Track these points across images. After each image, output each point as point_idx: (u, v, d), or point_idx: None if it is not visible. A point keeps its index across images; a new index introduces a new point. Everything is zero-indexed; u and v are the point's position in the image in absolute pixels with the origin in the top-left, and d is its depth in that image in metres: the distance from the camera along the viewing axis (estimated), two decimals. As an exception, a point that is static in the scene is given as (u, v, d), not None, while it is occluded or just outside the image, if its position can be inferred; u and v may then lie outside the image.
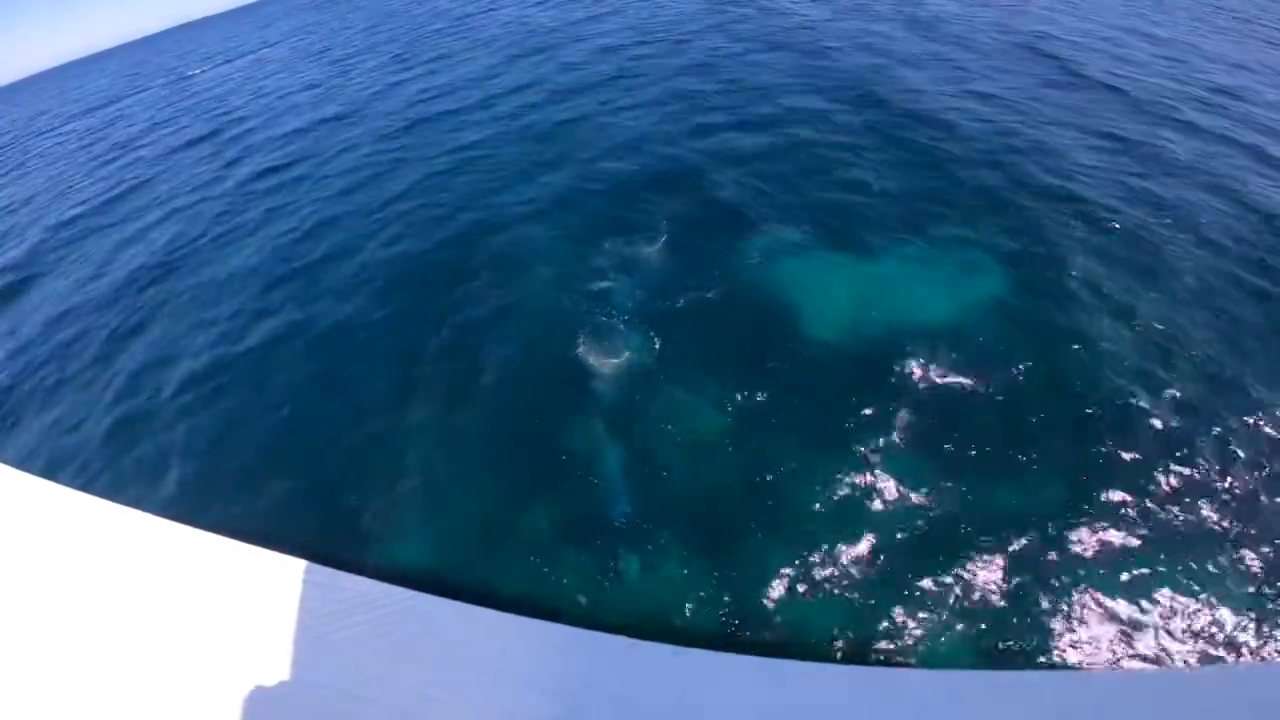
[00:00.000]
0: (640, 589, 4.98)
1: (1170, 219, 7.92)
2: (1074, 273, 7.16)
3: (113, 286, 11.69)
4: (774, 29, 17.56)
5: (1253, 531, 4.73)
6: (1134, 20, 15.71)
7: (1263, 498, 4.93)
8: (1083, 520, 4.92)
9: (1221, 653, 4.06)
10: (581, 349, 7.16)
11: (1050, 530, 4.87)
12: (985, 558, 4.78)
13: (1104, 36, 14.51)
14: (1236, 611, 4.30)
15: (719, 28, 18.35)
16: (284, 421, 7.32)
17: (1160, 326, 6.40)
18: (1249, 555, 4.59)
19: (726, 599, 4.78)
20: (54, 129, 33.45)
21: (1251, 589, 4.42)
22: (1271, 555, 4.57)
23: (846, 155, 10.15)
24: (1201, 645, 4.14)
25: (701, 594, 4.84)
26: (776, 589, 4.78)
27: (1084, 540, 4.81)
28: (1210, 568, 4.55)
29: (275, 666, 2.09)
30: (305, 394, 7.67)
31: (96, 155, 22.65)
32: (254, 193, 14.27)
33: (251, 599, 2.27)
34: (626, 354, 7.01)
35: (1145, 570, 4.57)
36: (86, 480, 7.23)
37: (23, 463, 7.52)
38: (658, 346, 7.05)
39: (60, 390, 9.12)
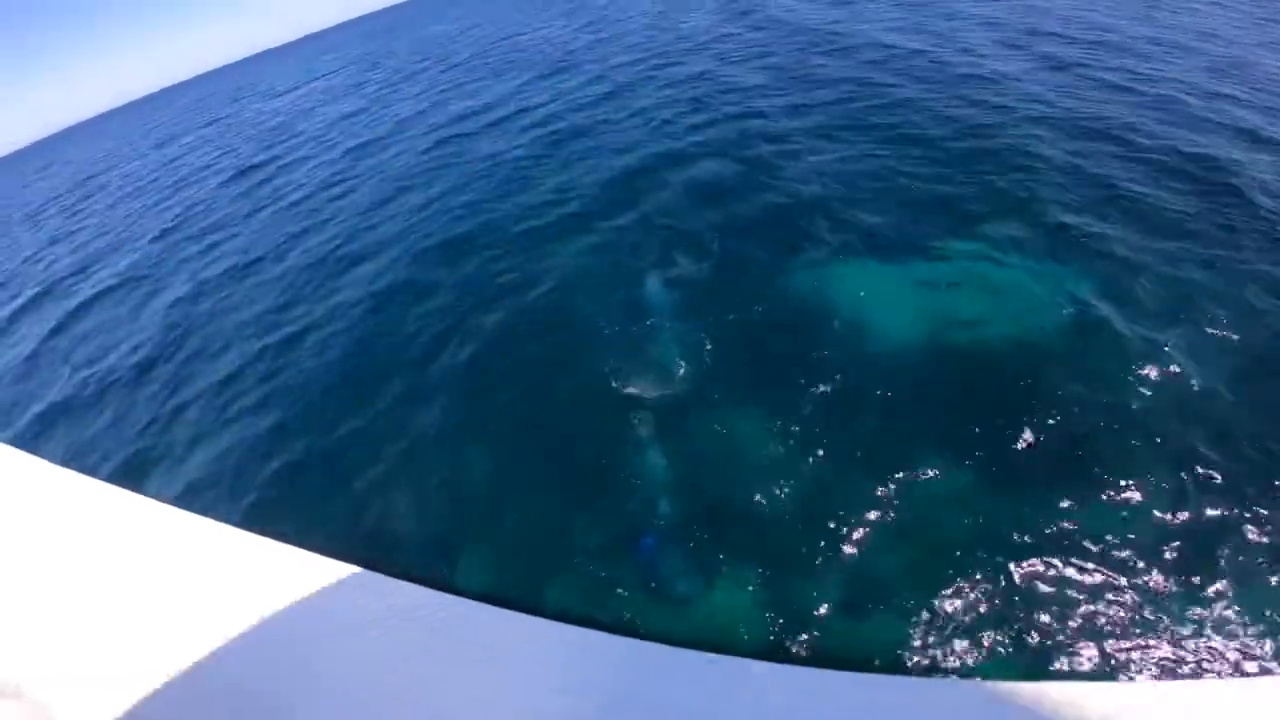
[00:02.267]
0: (686, 603, 4.90)
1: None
2: (1150, 280, 6.72)
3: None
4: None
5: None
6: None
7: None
8: (1151, 536, 4.59)
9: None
10: (624, 365, 7.13)
11: (1119, 544, 4.57)
12: (1047, 573, 4.51)
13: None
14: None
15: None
16: (332, 440, 7.58)
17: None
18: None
19: (774, 614, 4.66)
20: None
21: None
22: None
23: (900, 158, 9.91)
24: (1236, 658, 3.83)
25: (749, 608, 4.73)
26: (825, 603, 4.63)
27: (1151, 554, 4.49)
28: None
29: (317, 668, 2.16)
30: (346, 406, 7.95)
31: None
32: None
33: (293, 600, 2.35)
34: (673, 368, 6.94)
35: (1199, 579, 4.29)
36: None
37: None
38: (704, 360, 6.95)
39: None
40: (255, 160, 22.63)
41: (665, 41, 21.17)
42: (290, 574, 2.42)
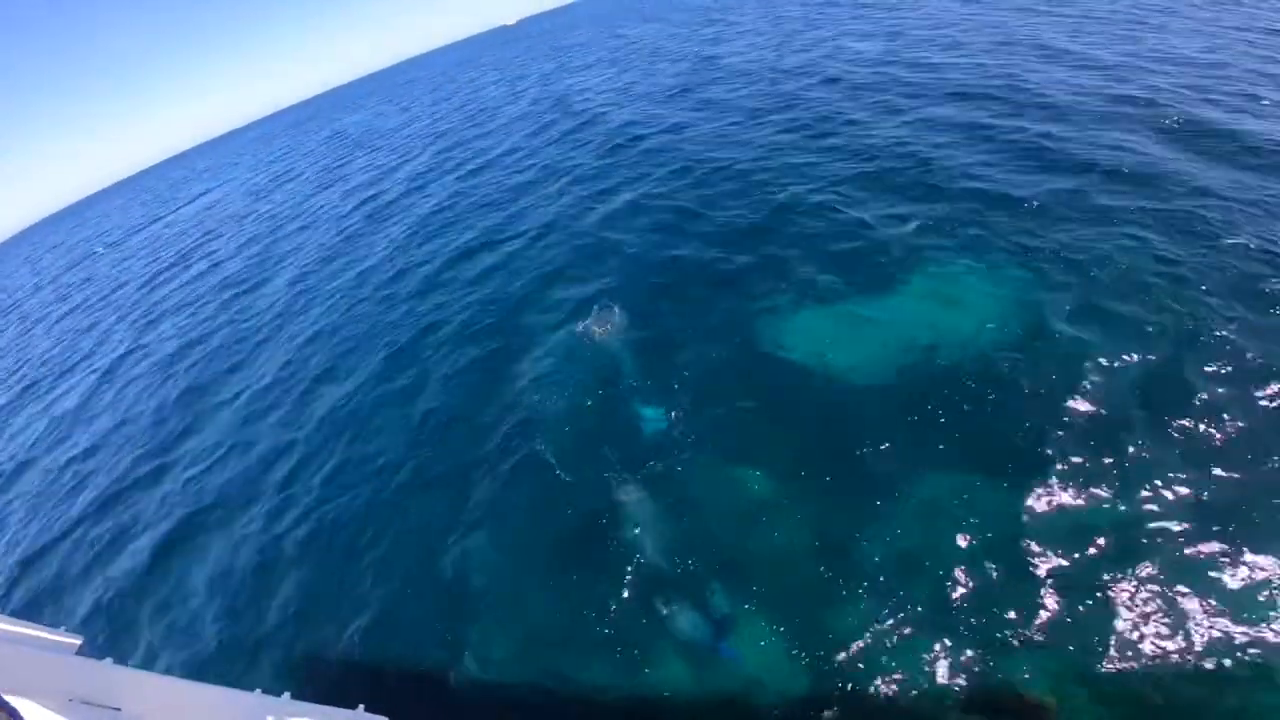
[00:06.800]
0: (720, 666, 4.99)
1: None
2: (1086, 279, 7.21)
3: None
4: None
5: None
6: None
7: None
8: (1165, 541, 4.83)
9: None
10: (607, 443, 7.13)
11: (1140, 548, 4.84)
12: (1066, 584, 4.72)
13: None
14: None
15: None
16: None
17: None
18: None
19: (805, 659, 4.79)
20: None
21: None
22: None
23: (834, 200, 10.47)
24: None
25: (781, 661, 4.85)
26: (856, 647, 4.74)
27: (1175, 555, 4.71)
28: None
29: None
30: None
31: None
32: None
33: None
34: (653, 435, 6.99)
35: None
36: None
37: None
38: (683, 423, 7.06)
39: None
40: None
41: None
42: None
